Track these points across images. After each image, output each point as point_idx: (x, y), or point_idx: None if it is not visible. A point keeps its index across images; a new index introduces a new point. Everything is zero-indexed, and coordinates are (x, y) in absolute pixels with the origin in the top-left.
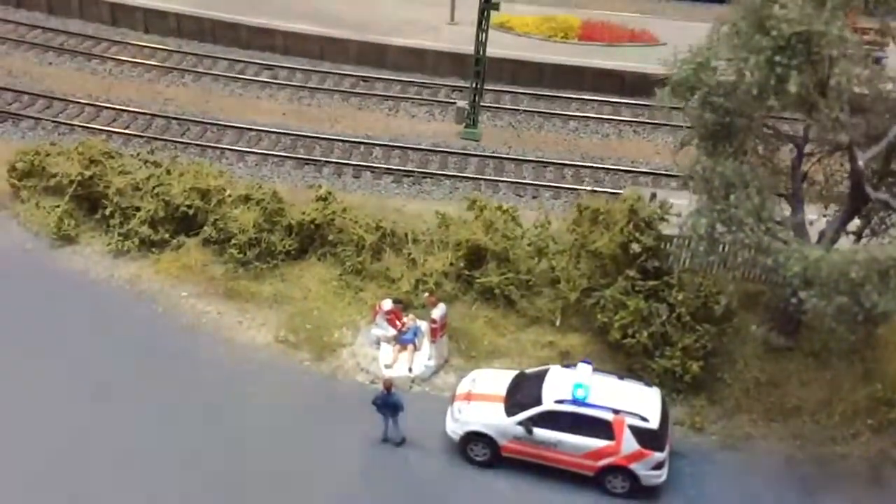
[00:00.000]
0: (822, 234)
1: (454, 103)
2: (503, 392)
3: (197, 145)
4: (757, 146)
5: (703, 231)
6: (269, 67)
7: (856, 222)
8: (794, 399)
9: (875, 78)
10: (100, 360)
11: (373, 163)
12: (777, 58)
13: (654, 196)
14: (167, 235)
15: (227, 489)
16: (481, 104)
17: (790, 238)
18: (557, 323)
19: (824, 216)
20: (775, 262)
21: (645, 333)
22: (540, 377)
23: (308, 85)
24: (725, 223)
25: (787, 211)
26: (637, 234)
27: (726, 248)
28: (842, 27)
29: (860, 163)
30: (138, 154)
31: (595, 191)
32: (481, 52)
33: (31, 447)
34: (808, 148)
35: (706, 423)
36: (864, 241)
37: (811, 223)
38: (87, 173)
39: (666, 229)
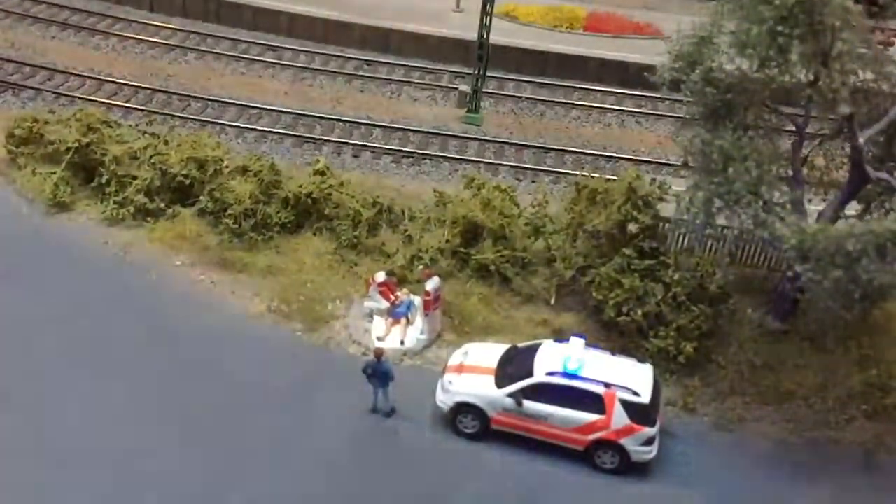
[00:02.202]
0: (820, 214)
1: (456, 89)
2: (494, 364)
3: (197, 120)
4: (758, 124)
5: (701, 205)
6: (273, 48)
7: (857, 208)
8: (788, 383)
9: (878, 59)
10: (91, 327)
11: (373, 143)
12: (779, 28)
13: (653, 181)
14: (163, 204)
15: (218, 457)
16: (484, 90)
17: (787, 213)
18: (552, 301)
19: (824, 201)
20: (772, 236)
21: (639, 312)
22: (532, 350)
23: (311, 66)
24: (723, 197)
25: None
26: (635, 213)
27: (723, 230)
28: None
29: (860, 140)
30: (136, 125)
31: (594, 176)
32: (485, 37)
33: (23, 414)
34: (808, 129)
35: (699, 405)
36: None
37: (810, 200)
38: (85, 140)
39: (664, 211)
